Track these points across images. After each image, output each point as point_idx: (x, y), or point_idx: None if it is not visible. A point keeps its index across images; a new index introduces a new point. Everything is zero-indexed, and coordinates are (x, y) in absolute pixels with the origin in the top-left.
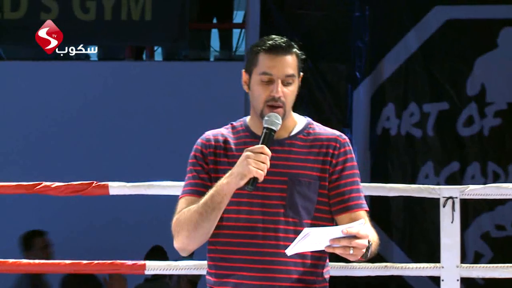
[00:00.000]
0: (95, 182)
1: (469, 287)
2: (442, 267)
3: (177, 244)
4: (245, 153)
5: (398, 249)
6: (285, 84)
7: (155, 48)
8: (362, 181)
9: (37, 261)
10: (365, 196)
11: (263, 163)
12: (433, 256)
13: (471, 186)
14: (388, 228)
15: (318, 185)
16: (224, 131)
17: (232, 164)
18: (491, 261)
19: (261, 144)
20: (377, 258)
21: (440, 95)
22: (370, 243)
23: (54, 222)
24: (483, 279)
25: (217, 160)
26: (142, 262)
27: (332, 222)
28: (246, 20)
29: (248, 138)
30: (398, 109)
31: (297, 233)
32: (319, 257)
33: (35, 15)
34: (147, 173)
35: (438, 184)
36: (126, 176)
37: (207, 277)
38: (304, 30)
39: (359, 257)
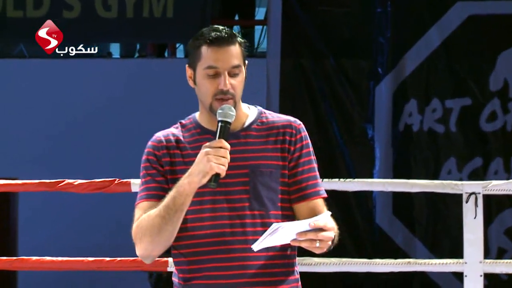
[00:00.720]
0: (117, 179)
1: (493, 283)
2: (465, 263)
3: (140, 251)
4: (203, 150)
5: (421, 245)
6: (232, 75)
7: (177, 45)
8: (385, 177)
9: (60, 258)
10: (388, 192)
11: (224, 157)
12: (456, 252)
13: (494, 182)
14: (411, 224)
15: (279, 174)
16: (175, 131)
17: (189, 163)
18: None
19: (219, 138)
20: (401, 254)
21: (463, 91)
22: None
23: (78, 220)
24: (507, 274)
25: (172, 161)
26: (165, 259)
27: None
28: (268, 17)
29: (200, 134)
30: (421, 105)
31: (265, 225)
32: (288, 251)
33: (57, 13)
34: None
35: (461, 180)
36: None
37: (176, 280)
38: (326, 26)
39: (325, 250)
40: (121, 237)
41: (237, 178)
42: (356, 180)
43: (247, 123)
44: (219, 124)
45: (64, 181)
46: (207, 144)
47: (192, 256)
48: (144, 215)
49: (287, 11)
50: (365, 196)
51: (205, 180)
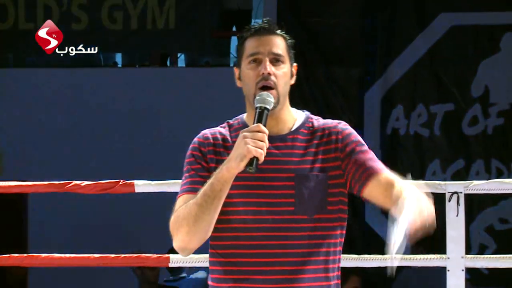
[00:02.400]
0: (122, 180)
1: (474, 277)
2: (448, 258)
3: (177, 243)
4: (241, 134)
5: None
6: (274, 63)
7: (178, 55)
8: None
9: (68, 255)
10: None
11: (261, 141)
12: (440, 248)
13: (475, 182)
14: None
15: (326, 177)
16: (222, 130)
17: None
18: (495, 252)
19: (256, 123)
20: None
21: (446, 97)
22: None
23: (85, 218)
24: (487, 269)
25: (217, 159)
26: (166, 255)
27: (344, 213)
28: None
29: None
30: (407, 110)
31: (306, 230)
32: (332, 257)
33: (66, 25)
34: (172, 172)
35: (445, 180)
36: (152, 175)
37: (213, 283)
38: (318, 36)
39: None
40: (125, 235)
41: (282, 182)
42: None
43: (294, 127)
44: (257, 110)
45: (72, 182)
46: (245, 128)
47: (233, 257)
48: (183, 206)
49: (281, 22)
50: (356, 197)
51: (243, 165)
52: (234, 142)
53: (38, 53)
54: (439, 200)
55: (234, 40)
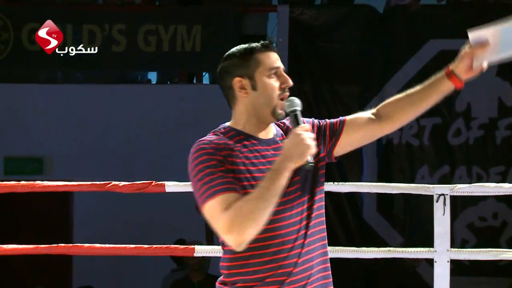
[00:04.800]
0: (154, 181)
1: (457, 268)
2: (435, 251)
3: (243, 236)
4: (297, 133)
5: (399, 236)
6: None
7: (204, 73)
8: (371, 181)
9: (107, 245)
10: (373, 193)
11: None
12: (428, 242)
13: (459, 185)
14: (391, 219)
15: (317, 167)
16: (216, 137)
17: (249, 165)
18: (475, 246)
19: (297, 124)
20: (383, 243)
21: (434, 112)
22: None
23: (120, 215)
24: (469, 261)
25: (233, 161)
26: (192, 246)
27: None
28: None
29: (247, 140)
30: None
31: (312, 218)
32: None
33: (108, 48)
34: None
35: (432, 183)
36: (180, 177)
37: (241, 285)
38: (324, 58)
39: None
40: (153, 229)
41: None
42: (347, 183)
43: (274, 131)
44: (293, 113)
45: (111, 182)
46: (297, 128)
47: (269, 256)
48: (238, 203)
49: (293, 45)
50: (355, 196)
51: (301, 162)
52: (236, 147)
53: (83, 71)
54: (427, 201)
55: None
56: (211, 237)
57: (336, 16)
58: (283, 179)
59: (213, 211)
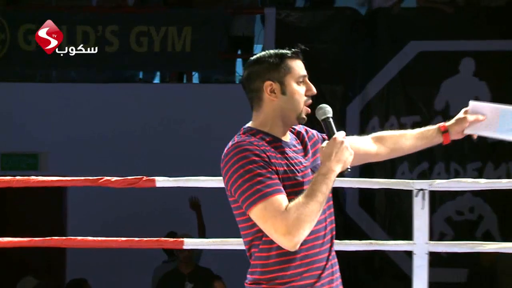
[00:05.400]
0: (145, 177)
1: (435, 259)
2: (415, 244)
3: (300, 238)
4: (339, 140)
5: (380, 230)
6: None
7: (193, 73)
8: (353, 177)
9: (99, 238)
10: (356, 188)
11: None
12: (408, 235)
13: (437, 181)
14: (372, 213)
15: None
16: (255, 140)
17: (284, 165)
18: (453, 239)
19: (333, 131)
20: (364, 236)
21: (414, 110)
22: None
23: (113, 209)
24: (446, 253)
25: (276, 162)
26: (181, 239)
27: None
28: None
29: (275, 142)
30: (381, 121)
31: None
32: None
33: (101, 48)
34: (188, 170)
35: (411, 179)
36: (171, 172)
37: (272, 275)
38: (309, 59)
39: None
40: (144, 222)
41: (310, 177)
42: None
43: (290, 134)
44: (327, 120)
45: (103, 178)
46: (339, 135)
47: (305, 251)
48: (295, 205)
49: (279, 46)
50: (337, 191)
51: (344, 167)
52: (273, 150)
53: (78, 71)
54: (407, 196)
55: (239, 62)
56: (203, 231)
57: (321, 18)
58: (331, 183)
59: (268, 212)
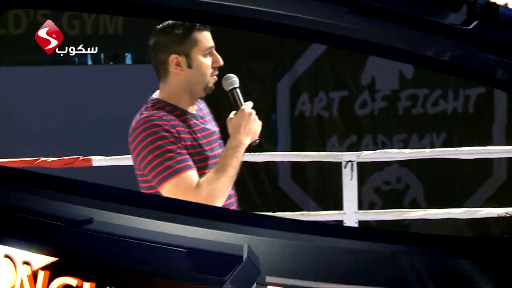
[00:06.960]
0: (81, 156)
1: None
2: (345, 213)
3: None
4: (247, 111)
5: (313, 202)
6: None
7: (126, 54)
8: (285, 151)
9: None
10: (288, 162)
11: None
12: (338, 205)
13: (365, 152)
14: (304, 185)
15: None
16: (163, 114)
17: (192, 140)
18: (381, 208)
19: (242, 102)
20: (297, 208)
21: (342, 85)
22: None
23: None
24: (376, 221)
25: (184, 137)
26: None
27: None
28: None
29: (183, 115)
30: (311, 96)
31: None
32: None
33: (33, 32)
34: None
35: (341, 152)
36: (109, 152)
37: None
38: (241, 38)
39: None
40: None
41: (217, 143)
42: (263, 153)
43: (196, 106)
44: (234, 90)
45: (40, 158)
46: (247, 107)
47: None
48: (206, 181)
49: (210, 26)
50: (270, 166)
51: (253, 139)
52: (182, 124)
53: (13, 54)
54: (337, 168)
55: None
56: None
57: None
58: (241, 156)
59: (179, 189)
